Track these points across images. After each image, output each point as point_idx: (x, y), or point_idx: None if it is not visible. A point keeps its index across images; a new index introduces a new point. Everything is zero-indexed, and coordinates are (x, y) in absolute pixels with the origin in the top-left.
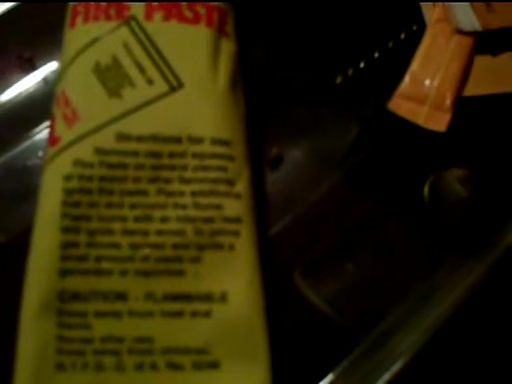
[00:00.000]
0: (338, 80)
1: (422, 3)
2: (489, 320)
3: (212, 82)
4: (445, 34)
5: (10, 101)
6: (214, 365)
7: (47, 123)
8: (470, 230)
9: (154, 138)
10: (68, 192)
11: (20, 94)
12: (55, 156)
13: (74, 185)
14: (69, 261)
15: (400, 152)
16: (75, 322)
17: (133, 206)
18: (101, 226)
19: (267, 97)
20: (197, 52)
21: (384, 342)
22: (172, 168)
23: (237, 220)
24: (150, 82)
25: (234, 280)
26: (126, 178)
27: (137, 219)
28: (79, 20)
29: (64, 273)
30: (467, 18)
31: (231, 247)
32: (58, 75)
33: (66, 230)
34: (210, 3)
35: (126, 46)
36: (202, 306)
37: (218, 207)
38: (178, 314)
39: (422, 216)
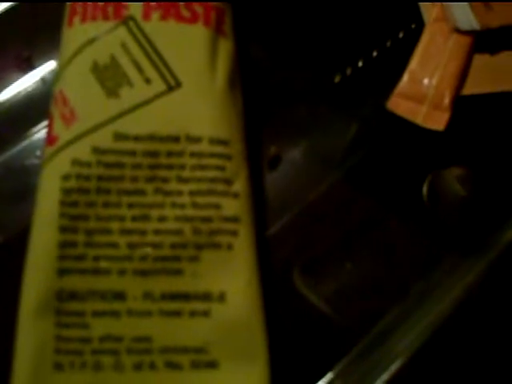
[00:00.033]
0: (337, 79)
1: (420, 3)
2: (487, 319)
3: (210, 81)
4: (443, 33)
5: (8, 100)
6: (212, 364)
7: (45, 123)
8: (468, 229)
9: (152, 138)
10: (66, 191)
11: (18, 93)
12: (53, 155)
13: (72, 184)
14: (67, 260)
15: (399, 151)
16: (73, 321)
17: (131, 206)
18: (99, 226)
19: (266, 96)
20: (195, 51)
21: (383, 342)
22: (170, 167)
23: (235, 219)
24: (147, 81)
25: (233, 280)
26: (123, 178)
27: (135, 219)
28: (77, 20)
29: (62, 272)
30: (465, 16)
31: (229, 247)
32: (56, 75)
33: (63, 229)
34: (208, 3)
35: (123, 45)
36: (200, 306)
37: (216, 207)
38: (177, 314)
39: (420, 215)
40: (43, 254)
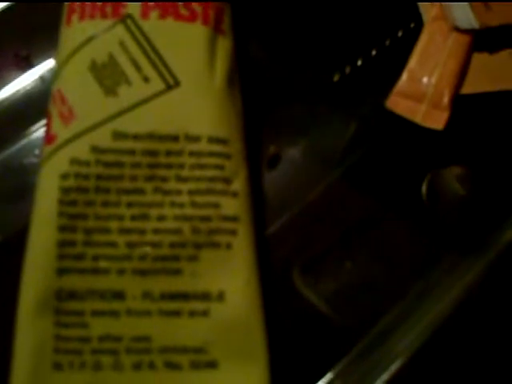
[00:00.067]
0: (336, 78)
1: (419, 2)
2: (487, 319)
3: (208, 80)
4: (442, 32)
5: (6, 99)
6: (211, 364)
7: (44, 121)
8: (467, 228)
9: (151, 137)
10: (65, 190)
11: (17, 92)
12: (52, 154)
13: (71, 183)
14: (66, 259)
15: (398, 150)
16: (72, 321)
17: (129, 205)
18: (97, 225)
19: (265, 95)
20: (193, 50)
21: (382, 342)
22: (169, 166)
23: (234, 219)
24: (146, 80)
25: (232, 279)
26: (122, 177)
27: (134, 218)
28: (75, 18)
29: (61, 271)
30: (465, 15)
31: (228, 246)
32: (55, 73)
33: (62, 228)
34: (207, 2)
35: (122, 44)
36: (199, 305)
37: (215, 206)
38: (176, 314)
39: (420, 214)
40: (42, 253)
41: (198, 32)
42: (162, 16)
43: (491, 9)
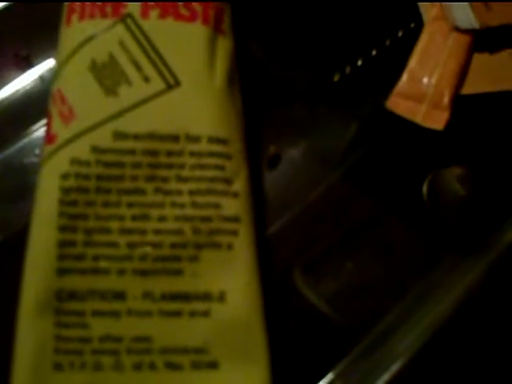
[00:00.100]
0: (336, 78)
1: (419, 2)
2: (488, 319)
3: (209, 79)
4: (442, 32)
5: (6, 99)
6: (212, 365)
7: (44, 121)
8: (468, 228)
9: (151, 137)
10: (65, 190)
11: (17, 91)
12: (52, 154)
13: (71, 183)
14: (66, 260)
15: (398, 150)
16: (73, 321)
17: (130, 205)
18: (98, 225)
19: (265, 95)
20: (193, 50)
21: (383, 342)
22: (169, 166)
23: (235, 219)
24: (146, 79)
25: (233, 279)
26: (123, 177)
27: (134, 218)
28: (75, 18)
29: (61, 272)
30: (465, 15)
31: (229, 246)
32: (55, 73)
33: (63, 228)
34: (207, 1)
35: (122, 43)
36: (200, 306)
37: (216, 206)
38: (177, 314)
39: (420, 215)
40: (42, 253)
41: (198, 32)
42: (162, 16)
43: (491, 9)
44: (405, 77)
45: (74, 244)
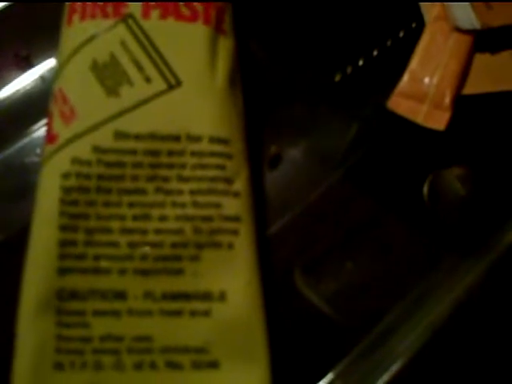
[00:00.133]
0: (337, 78)
1: (421, 2)
2: (488, 320)
3: (210, 79)
4: (443, 32)
5: (7, 98)
6: (213, 364)
7: (45, 121)
8: (468, 228)
9: (153, 137)
10: (66, 190)
11: (17, 91)
12: (53, 154)
13: (72, 183)
14: (67, 259)
15: (399, 151)
16: (74, 320)
17: (131, 205)
18: (99, 225)
19: (266, 95)
20: (195, 50)
21: (384, 342)
22: (170, 166)
23: (236, 219)
24: (147, 80)
25: (233, 279)
26: (124, 177)
27: (135, 218)
28: (76, 18)
29: (62, 271)
30: (466, 16)
31: (230, 246)
32: (56, 73)
33: (64, 228)
34: (208, 1)
35: (123, 43)
36: (200, 305)
37: (217, 206)
38: (177, 313)
39: (421, 215)
40: (43, 253)
41: (199, 32)
42: (163, 16)
43: (493, 9)
44: (406, 77)
45: (74, 243)
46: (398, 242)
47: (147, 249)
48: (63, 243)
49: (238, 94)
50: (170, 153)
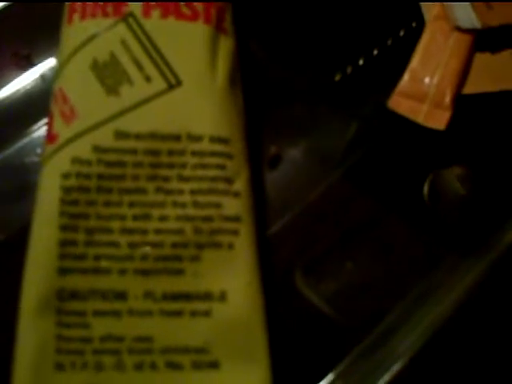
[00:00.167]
0: (337, 78)
1: (421, 2)
2: (488, 319)
3: (210, 79)
4: (444, 32)
5: (7, 98)
6: (213, 364)
7: (45, 120)
8: (469, 228)
9: (153, 136)
10: (66, 190)
11: (17, 91)
12: (53, 153)
13: (72, 183)
14: (67, 259)
15: (399, 150)
16: (74, 321)
17: (131, 205)
18: (99, 225)
19: (266, 95)
20: (195, 49)
21: (384, 342)
22: (171, 166)
23: (236, 219)
24: (148, 79)
25: (234, 279)
26: (124, 176)
27: (135, 218)
28: (76, 17)
29: (62, 271)
30: (466, 15)
31: (230, 246)
32: (56, 72)
33: (64, 228)
34: (208, 1)
35: (123, 42)
36: (201, 306)
37: (217, 206)
38: (178, 314)
39: (421, 214)
40: (43, 253)
41: (199, 31)
42: (164, 15)
43: (493, 9)
44: (406, 76)
45: (75, 243)
46: (398, 241)
47: (147, 249)
48: (63, 243)
49: (239, 94)
50: (171, 152)
